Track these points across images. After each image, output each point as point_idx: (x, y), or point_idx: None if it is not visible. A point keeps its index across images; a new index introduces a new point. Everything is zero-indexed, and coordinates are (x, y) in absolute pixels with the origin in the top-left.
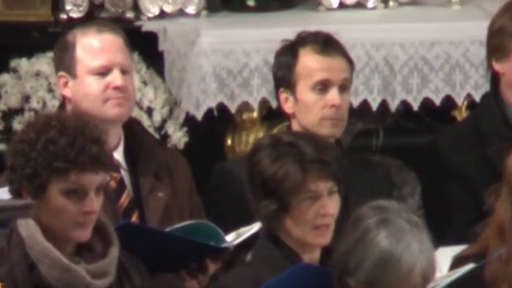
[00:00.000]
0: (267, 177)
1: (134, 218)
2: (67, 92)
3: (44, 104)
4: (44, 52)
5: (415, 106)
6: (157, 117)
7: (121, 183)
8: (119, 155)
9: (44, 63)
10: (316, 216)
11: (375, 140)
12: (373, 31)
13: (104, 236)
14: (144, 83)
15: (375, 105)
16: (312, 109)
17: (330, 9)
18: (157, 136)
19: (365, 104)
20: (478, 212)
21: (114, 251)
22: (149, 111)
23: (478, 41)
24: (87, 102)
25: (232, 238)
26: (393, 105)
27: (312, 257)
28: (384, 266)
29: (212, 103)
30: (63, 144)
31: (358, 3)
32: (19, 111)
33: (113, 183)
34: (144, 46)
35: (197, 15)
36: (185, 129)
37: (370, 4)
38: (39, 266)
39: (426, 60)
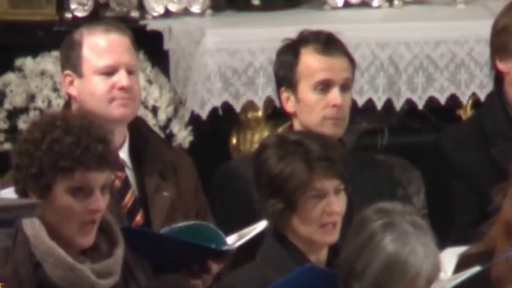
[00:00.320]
0: (273, 175)
1: (139, 218)
2: (72, 91)
3: (49, 103)
4: (49, 51)
5: (420, 105)
6: (162, 116)
7: (126, 182)
8: (124, 154)
9: (49, 62)
10: (323, 215)
11: (380, 139)
12: (378, 30)
13: (109, 236)
14: (149, 82)
15: (379, 104)
16: (314, 109)
17: (335, 8)
18: (162, 135)
19: (370, 103)
20: (482, 211)
21: (119, 251)
22: (154, 110)
23: (483, 40)
24: (93, 102)
25: (233, 240)
26: (398, 104)
27: (319, 257)
28: (391, 270)
29: (217, 102)
30: (68, 143)
31: (363, 2)
32: (24, 110)
33: (117, 182)
34: (149, 45)
35: (202, 14)
36: (190, 128)
37: (375, 3)
38: (44, 265)
39: (431, 59)
